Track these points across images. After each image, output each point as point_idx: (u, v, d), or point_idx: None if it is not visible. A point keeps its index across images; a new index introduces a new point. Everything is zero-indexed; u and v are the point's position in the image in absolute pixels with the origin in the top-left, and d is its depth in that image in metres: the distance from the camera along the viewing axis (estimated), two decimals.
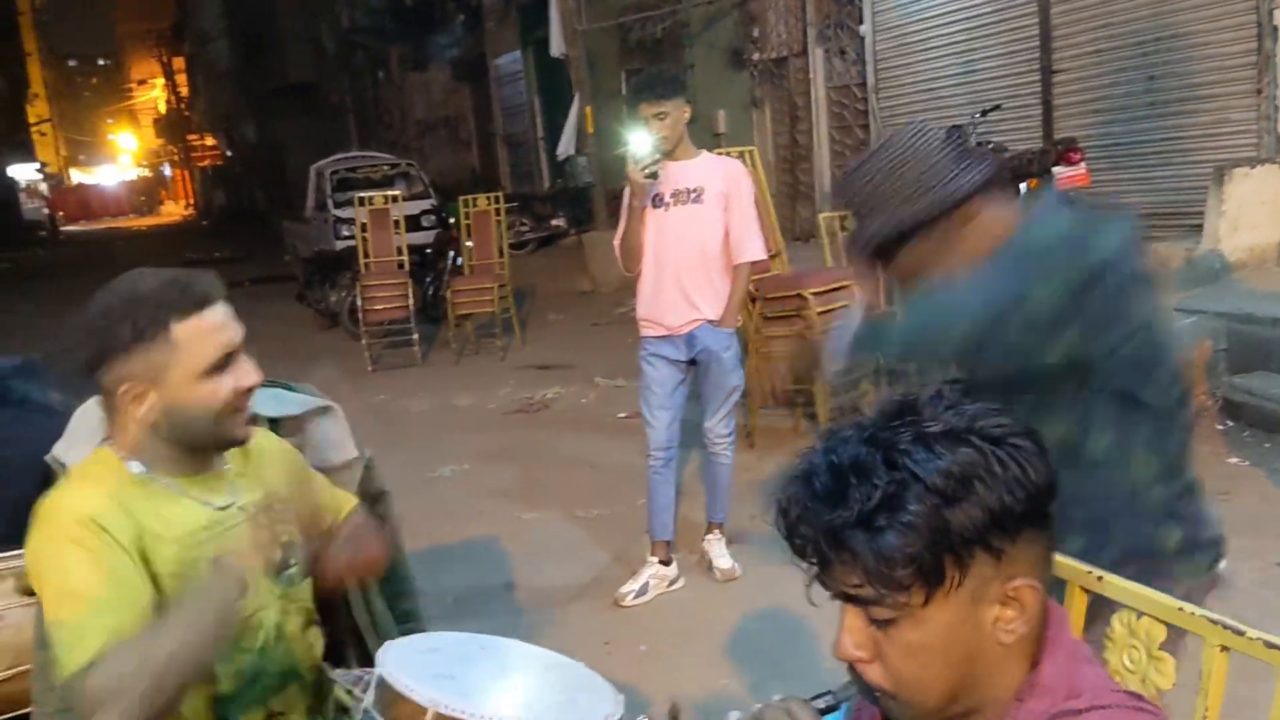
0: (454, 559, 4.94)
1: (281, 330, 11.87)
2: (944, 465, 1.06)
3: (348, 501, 2.09)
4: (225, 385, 1.68)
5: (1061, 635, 1.16)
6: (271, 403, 2.47)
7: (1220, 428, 5.47)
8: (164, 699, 1.48)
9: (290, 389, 2.55)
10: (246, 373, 1.71)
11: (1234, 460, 5.11)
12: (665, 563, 4.41)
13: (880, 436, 1.10)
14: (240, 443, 1.77)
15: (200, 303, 1.66)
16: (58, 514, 1.61)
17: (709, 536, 4.56)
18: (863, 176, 1.97)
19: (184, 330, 1.64)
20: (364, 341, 9.65)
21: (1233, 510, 4.07)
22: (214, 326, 1.67)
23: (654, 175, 4.03)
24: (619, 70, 14.62)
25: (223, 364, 1.67)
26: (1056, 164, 6.91)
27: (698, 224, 4.19)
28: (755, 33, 12.19)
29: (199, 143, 50.01)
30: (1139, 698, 1.17)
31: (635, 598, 4.31)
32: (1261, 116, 7.17)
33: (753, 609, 4.12)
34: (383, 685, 1.46)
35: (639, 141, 4.05)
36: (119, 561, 1.58)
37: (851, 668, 1.15)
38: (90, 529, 1.58)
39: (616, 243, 4.31)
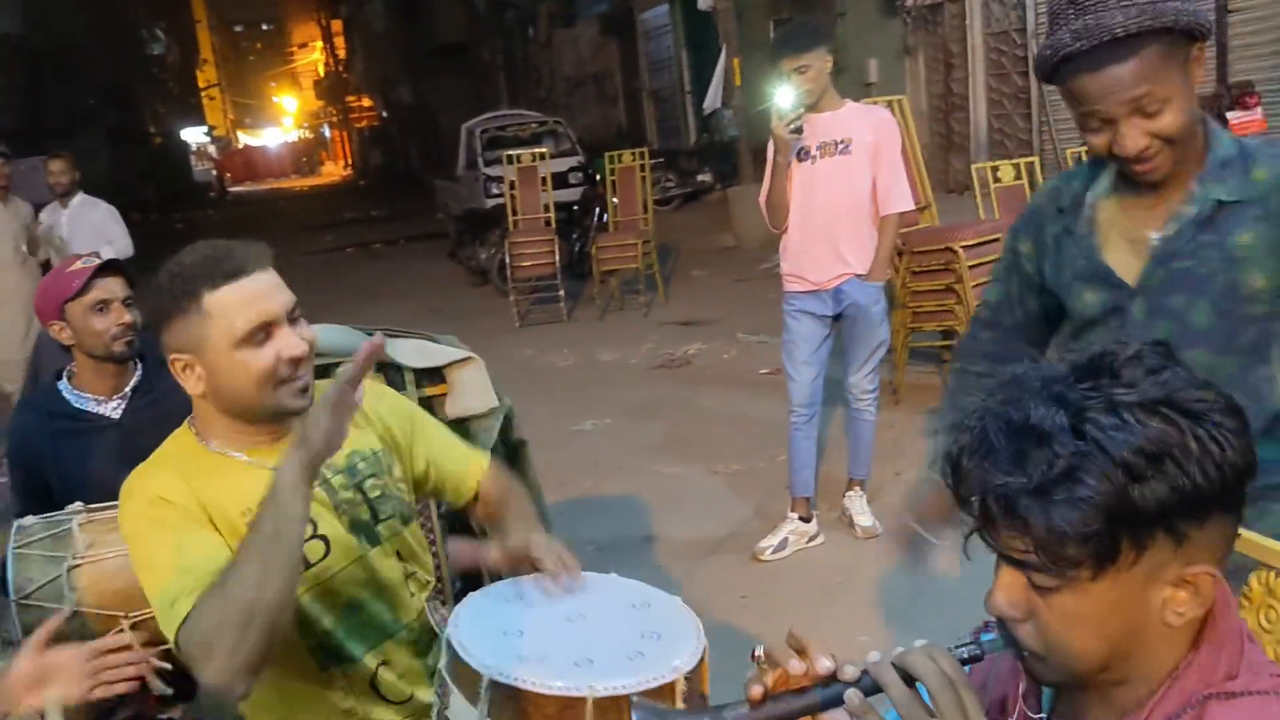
0: (596, 511, 5.02)
1: (434, 287, 12.24)
2: (1135, 440, 0.97)
3: (477, 459, 2.04)
4: (265, 355, 1.65)
5: (1226, 617, 1.09)
6: (415, 354, 2.57)
7: None
8: (259, 632, 1.46)
9: (434, 341, 2.64)
10: (291, 344, 1.67)
11: None
12: (805, 519, 4.39)
13: (1069, 397, 1.01)
14: (296, 413, 1.71)
15: (232, 274, 1.65)
16: (132, 496, 1.68)
17: (850, 493, 4.52)
18: None
19: (215, 301, 1.64)
20: (512, 298, 9.81)
21: None
22: (247, 297, 1.65)
23: (799, 130, 3.98)
24: (768, 20, 14.39)
25: (259, 335, 1.65)
26: (1231, 109, 6.53)
27: (846, 175, 4.11)
28: None
29: (356, 104, 51.37)
30: None
31: (774, 552, 4.31)
32: None
33: (892, 567, 4.06)
34: (449, 647, 1.41)
35: (783, 96, 3.99)
36: (192, 528, 1.62)
37: (1001, 622, 1.10)
38: (160, 505, 1.63)
39: (762, 200, 4.25)
